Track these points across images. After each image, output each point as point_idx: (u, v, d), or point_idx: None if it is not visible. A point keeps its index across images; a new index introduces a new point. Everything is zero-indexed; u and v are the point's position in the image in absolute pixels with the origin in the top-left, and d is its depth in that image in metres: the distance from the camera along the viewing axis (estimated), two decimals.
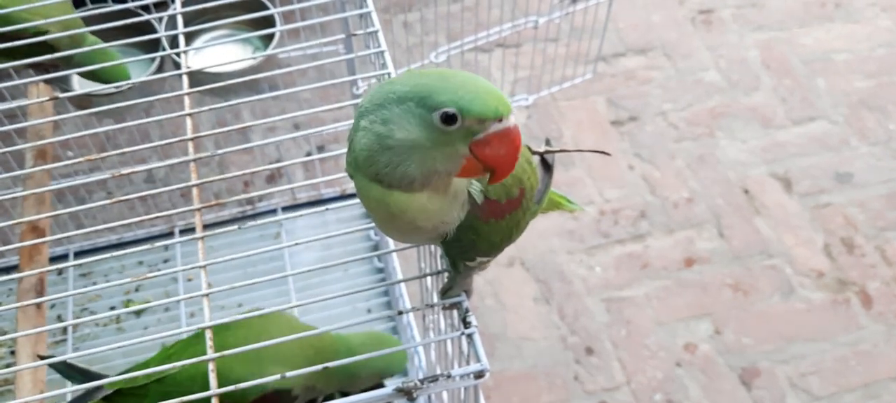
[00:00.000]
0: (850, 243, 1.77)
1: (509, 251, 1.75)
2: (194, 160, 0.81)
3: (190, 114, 0.85)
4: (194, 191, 0.80)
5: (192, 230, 1.63)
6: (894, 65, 2.10)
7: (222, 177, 0.85)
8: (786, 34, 2.17)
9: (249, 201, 1.73)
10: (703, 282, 1.71)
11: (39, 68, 1.15)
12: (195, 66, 1.23)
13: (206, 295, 0.74)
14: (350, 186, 1.69)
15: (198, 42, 1.28)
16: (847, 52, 2.13)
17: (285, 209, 1.70)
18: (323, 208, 0.99)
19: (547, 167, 0.88)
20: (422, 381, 0.69)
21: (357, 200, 0.72)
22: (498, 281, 1.72)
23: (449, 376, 0.69)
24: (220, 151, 0.87)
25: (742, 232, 1.79)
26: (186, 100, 0.86)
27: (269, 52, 1.20)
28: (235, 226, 0.84)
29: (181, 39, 0.94)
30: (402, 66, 1.92)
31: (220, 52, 1.27)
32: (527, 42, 2.10)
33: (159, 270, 1.64)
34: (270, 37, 1.25)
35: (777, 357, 1.60)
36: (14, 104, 1.07)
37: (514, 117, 0.62)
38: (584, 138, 1.96)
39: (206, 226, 1.62)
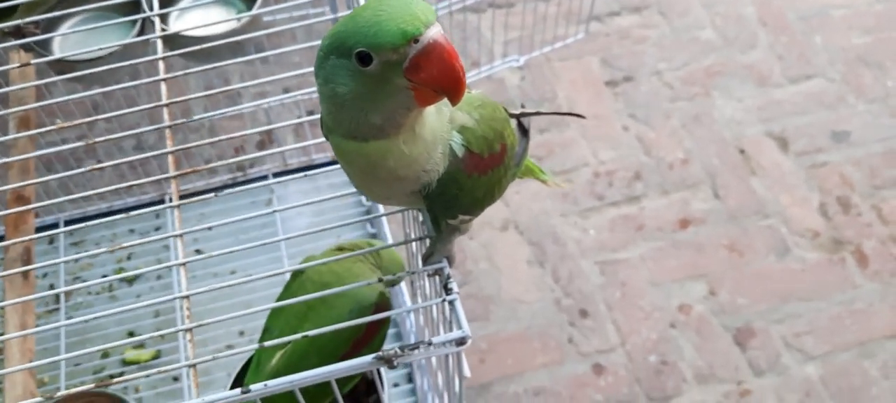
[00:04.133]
0: (846, 202, 1.75)
1: (503, 214, 1.74)
2: (169, 127, 0.79)
3: (165, 79, 0.83)
4: (169, 158, 0.78)
5: (182, 197, 1.62)
6: (892, 20, 2.07)
7: (204, 142, 0.83)
8: None
9: (240, 167, 1.71)
10: (698, 243, 1.70)
11: (17, 33, 1.14)
12: (175, 29, 1.22)
13: (183, 264, 0.73)
14: None
15: (181, 3, 1.26)
16: (845, 8, 2.10)
17: (276, 175, 1.69)
18: (314, 173, 0.98)
19: (524, 131, 0.87)
20: (402, 349, 0.68)
21: (337, 167, 0.71)
22: (492, 244, 1.71)
23: (430, 344, 0.68)
24: (200, 116, 0.85)
25: (737, 193, 1.77)
26: (161, 64, 0.84)
27: (253, 12, 1.17)
28: (212, 194, 0.82)
29: (155, 3, 0.91)
30: None
31: (203, 14, 1.25)
32: (519, 1, 2.07)
33: (151, 237, 1.63)
34: None
35: (772, 317, 1.60)
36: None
37: (434, 28, 0.57)
38: (578, 99, 1.94)
39: (190, 195, 1.62)
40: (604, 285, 1.65)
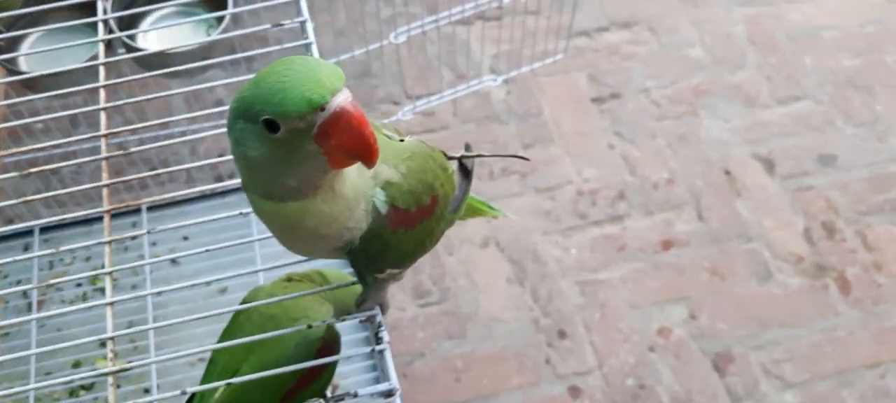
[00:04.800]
0: (830, 227, 1.74)
1: (484, 231, 1.72)
2: (104, 135, 0.80)
3: (104, 86, 0.84)
4: (103, 164, 0.78)
5: (160, 207, 1.59)
6: (883, 42, 2.06)
7: (143, 176, 0.82)
8: (773, 8, 2.12)
9: (219, 178, 1.70)
10: (679, 265, 1.69)
11: None
12: (143, 47, 1.20)
13: (111, 304, 0.71)
14: None
15: (146, 22, 1.24)
16: (835, 29, 2.08)
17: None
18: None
19: (466, 172, 0.86)
20: (328, 399, 0.67)
21: None
22: (471, 260, 1.69)
23: (355, 395, 0.67)
24: (137, 149, 0.84)
25: (721, 215, 1.76)
26: (102, 92, 0.84)
27: (216, 37, 1.15)
28: (178, 205, 0.81)
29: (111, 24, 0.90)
30: (374, 41, 1.88)
31: (173, 32, 1.23)
32: (508, 15, 2.06)
33: (125, 246, 1.62)
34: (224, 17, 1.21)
35: (751, 343, 1.59)
36: None
37: (342, 95, 0.55)
38: (563, 115, 1.93)
39: (160, 206, 1.60)
40: (583, 306, 1.64)
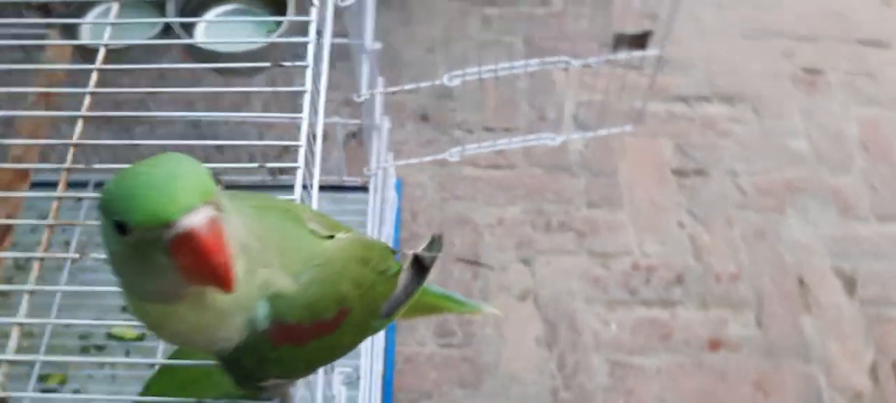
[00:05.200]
0: None
1: (526, 283, 1.65)
2: (83, 117, 0.79)
3: (98, 69, 0.84)
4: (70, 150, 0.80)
5: None
6: None
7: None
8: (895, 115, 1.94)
9: (271, 171, 1.69)
10: (724, 370, 1.57)
11: (45, 9, 1.15)
12: (197, 39, 1.20)
13: (19, 324, 0.70)
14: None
15: (209, 14, 1.24)
16: None
17: (304, 187, 1.66)
18: (341, 195, 0.89)
19: (421, 269, 0.80)
20: None
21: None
22: (485, 253, 1.63)
23: None
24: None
25: (783, 326, 1.62)
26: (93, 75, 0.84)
27: (276, 39, 1.14)
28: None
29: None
30: (457, 67, 1.82)
31: (231, 29, 1.22)
32: (605, 64, 1.96)
33: None
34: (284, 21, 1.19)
35: None
36: (19, 42, 1.06)
37: (196, 215, 0.49)
38: (639, 180, 1.82)
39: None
40: (608, 387, 1.54)
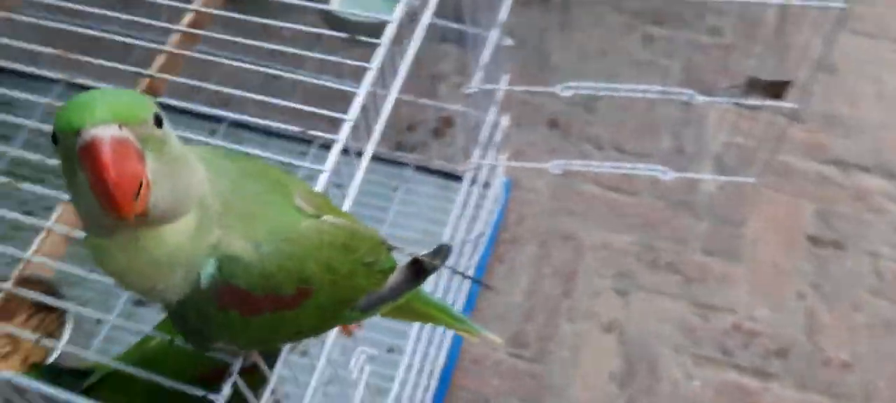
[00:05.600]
0: None
1: (616, 313, 1.59)
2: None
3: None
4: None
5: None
6: None
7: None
8: None
9: (399, 145, 1.72)
10: None
11: None
12: (333, 7, 1.23)
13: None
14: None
15: None
16: None
17: (418, 168, 1.69)
18: (449, 184, 0.87)
19: (419, 272, 0.78)
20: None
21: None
22: (585, 336, 1.58)
23: None
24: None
25: None
26: None
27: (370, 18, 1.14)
28: None
29: None
30: (604, 80, 1.77)
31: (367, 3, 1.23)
32: (765, 110, 1.84)
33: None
34: None
35: None
36: None
37: (106, 129, 0.49)
38: (766, 237, 1.70)
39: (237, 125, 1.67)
40: None
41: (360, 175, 0.95)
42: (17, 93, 0.95)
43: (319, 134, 0.92)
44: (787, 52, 1.92)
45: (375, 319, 1.46)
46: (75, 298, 1.04)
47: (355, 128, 0.91)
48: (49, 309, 1.08)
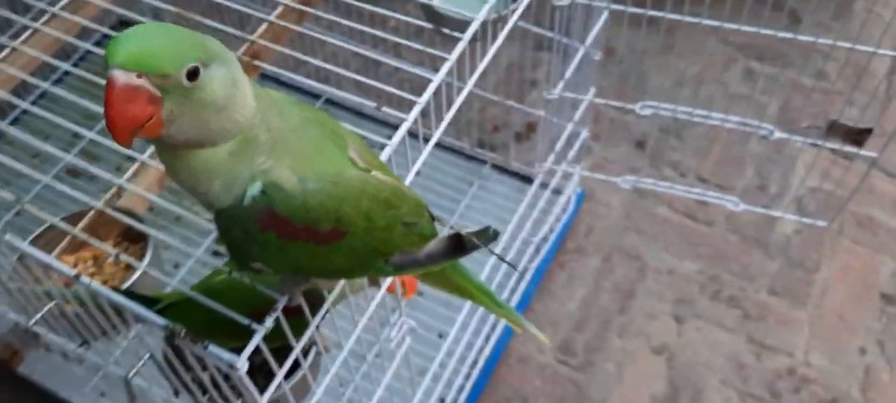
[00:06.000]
0: None
1: (666, 338, 1.61)
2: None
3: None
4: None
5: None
6: None
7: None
8: None
9: (482, 143, 1.79)
10: None
11: None
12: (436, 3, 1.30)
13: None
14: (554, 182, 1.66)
15: None
16: None
17: (495, 167, 1.76)
18: (529, 188, 0.93)
19: (457, 248, 0.83)
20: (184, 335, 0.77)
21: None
22: (634, 355, 1.60)
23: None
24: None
25: None
26: None
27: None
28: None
29: None
30: (700, 108, 1.79)
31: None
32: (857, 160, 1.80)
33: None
34: None
35: None
36: None
37: (119, 75, 0.58)
38: (837, 288, 1.67)
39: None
40: None
41: (422, 157, 1.03)
42: None
43: (391, 111, 0.99)
44: (889, 104, 1.87)
45: (431, 305, 1.55)
46: (159, 243, 1.16)
47: (428, 116, 0.99)
48: (134, 240, 1.22)
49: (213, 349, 0.78)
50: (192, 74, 0.61)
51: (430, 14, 1.33)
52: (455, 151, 1.79)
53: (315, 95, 1.76)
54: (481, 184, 1.73)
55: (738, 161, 1.87)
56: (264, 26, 1.14)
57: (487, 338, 1.51)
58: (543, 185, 1.66)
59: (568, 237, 1.73)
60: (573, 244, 1.74)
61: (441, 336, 1.51)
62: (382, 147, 0.92)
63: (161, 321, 0.81)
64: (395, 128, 0.98)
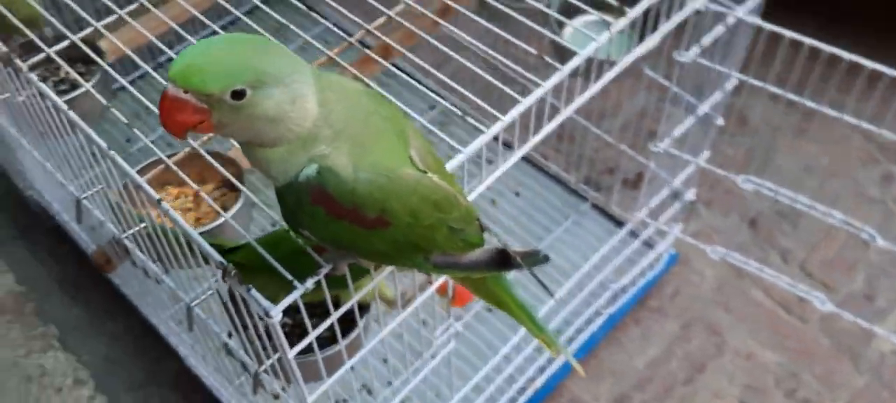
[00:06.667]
0: None
1: (745, 395, 1.56)
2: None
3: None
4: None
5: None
6: None
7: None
8: None
9: (588, 181, 1.79)
10: None
11: None
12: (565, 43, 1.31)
13: None
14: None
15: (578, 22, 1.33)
16: None
17: (595, 207, 1.75)
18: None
19: (504, 263, 0.85)
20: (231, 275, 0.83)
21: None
22: (709, 370, 1.55)
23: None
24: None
25: None
26: None
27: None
28: None
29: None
30: (826, 204, 1.71)
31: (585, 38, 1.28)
32: None
33: None
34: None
35: None
36: None
37: (172, 88, 0.67)
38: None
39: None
40: None
41: (498, 171, 1.06)
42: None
43: (474, 123, 1.02)
44: None
45: (494, 321, 1.56)
46: (250, 201, 1.24)
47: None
48: (233, 188, 1.31)
49: (254, 293, 0.84)
50: (238, 95, 0.68)
51: (559, 49, 1.35)
52: (560, 182, 1.80)
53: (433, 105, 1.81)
54: (577, 220, 1.73)
55: (851, 265, 1.78)
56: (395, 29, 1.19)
57: (542, 370, 1.52)
58: (634, 234, 1.64)
59: (651, 295, 1.70)
60: (655, 303, 1.71)
61: (491, 348, 1.52)
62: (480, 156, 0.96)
63: (217, 257, 0.88)
64: (506, 146, 1.02)
